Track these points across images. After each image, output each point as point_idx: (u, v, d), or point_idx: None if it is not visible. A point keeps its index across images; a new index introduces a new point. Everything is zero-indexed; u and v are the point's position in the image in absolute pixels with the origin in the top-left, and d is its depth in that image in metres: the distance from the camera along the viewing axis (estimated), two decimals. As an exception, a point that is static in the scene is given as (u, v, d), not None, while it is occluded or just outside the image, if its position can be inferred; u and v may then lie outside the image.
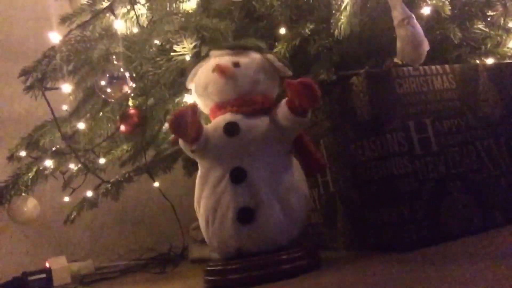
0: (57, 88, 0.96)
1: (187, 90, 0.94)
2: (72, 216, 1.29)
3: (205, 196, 0.72)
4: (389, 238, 0.72)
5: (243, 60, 0.75)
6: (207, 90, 0.76)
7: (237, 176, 0.69)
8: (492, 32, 0.98)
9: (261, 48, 0.78)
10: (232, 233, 0.69)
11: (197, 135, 0.71)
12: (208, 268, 0.72)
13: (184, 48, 0.88)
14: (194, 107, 0.70)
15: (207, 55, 0.80)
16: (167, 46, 0.93)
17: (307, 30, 0.88)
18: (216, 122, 0.74)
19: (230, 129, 0.71)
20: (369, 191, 0.76)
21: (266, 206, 0.68)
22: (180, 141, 0.73)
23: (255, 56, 0.77)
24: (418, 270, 0.54)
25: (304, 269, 0.68)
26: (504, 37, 1.00)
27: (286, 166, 0.72)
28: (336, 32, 0.84)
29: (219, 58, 0.77)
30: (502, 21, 0.96)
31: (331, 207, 0.87)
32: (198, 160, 0.75)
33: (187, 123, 0.69)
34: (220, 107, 0.75)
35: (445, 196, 0.73)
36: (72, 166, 1.26)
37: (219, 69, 0.73)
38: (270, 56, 0.77)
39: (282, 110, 0.71)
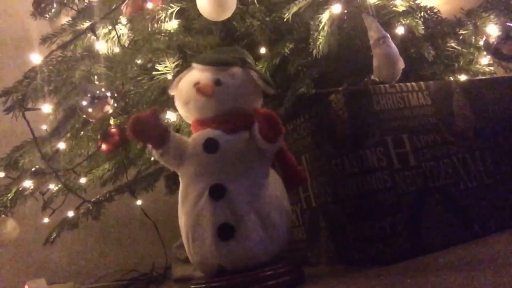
0: (38, 109, 0.96)
1: (169, 108, 0.95)
2: (52, 237, 1.27)
3: (186, 212, 0.71)
4: (371, 252, 0.73)
5: (224, 77, 0.74)
6: (188, 106, 0.76)
7: (217, 193, 0.69)
8: (464, 50, 1.01)
9: (244, 62, 0.77)
10: (212, 250, 0.68)
11: (162, 139, 0.71)
12: (192, 287, 0.72)
13: (166, 67, 0.89)
14: (155, 112, 0.71)
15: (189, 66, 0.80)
16: (149, 66, 0.94)
17: (286, 50, 0.91)
18: (196, 138, 0.74)
19: (210, 145, 0.71)
20: (350, 206, 0.77)
21: (247, 223, 0.68)
22: (150, 147, 0.74)
23: (237, 72, 0.76)
24: (400, 283, 0.55)
25: (289, 285, 0.68)
26: (476, 55, 1.04)
27: (267, 182, 0.72)
28: (314, 52, 0.87)
29: (200, 72, 0.76)
30: (473, 40, 1.00)
31: (313, 223, 0.88)
32: (179, 175, 0.75)
33: (149, 127, 0.70)
34: (201, 122, 0.75)
35: (425, 209, 0.75)
36: (52, 187, 1.25)
37: (200, 90, 0.73)
38: (253, 73, 0.76)
39: (256, 134, 0.71)
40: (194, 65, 0.78)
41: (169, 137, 0.72)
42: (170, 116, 0.96)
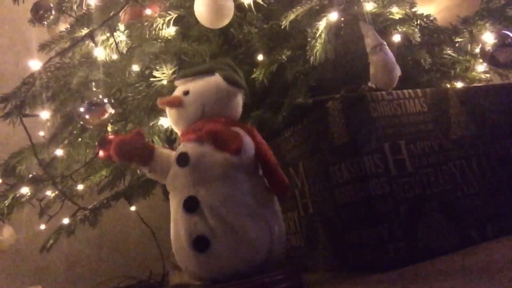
0: (35, 115, 0.96)
1: (164, 114, 0.95)
2: (49, 244, 1.26)
3: (171, 224, 0.73)
4: (369, 259, 0.73)
5: (191, 87, 0.75)
6: (171, 123, 0.78)
7: (190, 206, 0.69)
8: (460, 57, 1.02)
9: (213, 69, 0.76)
10: (191, 262, 0.69)
11: (147, 158, 0.73)
12: (189, 294, 0.72)
13: (164, 74, 0.89)
14: (139, 132, 0.72)
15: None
16: (147, 72, 0.94)
17: (284, 57, 0.91)
18: (175, 152, 0.74)
19: (181, 159, 0.71)
20: (348, 212, 0.77)
21: (220, 234, 0.67)
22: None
23: (207, 79, 0.75)
24: (396, 290, 0.56)
25: (286, 292, 0.68)
26: (472, 62, 1.04)
27: (243, 191, 0.70)
28: (311, 59, 0.87)
29: (177, 88, 0.78)
30: (469, 47, 1.01)
31: (311, 229, 0.88)
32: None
33: (132, 148, 0.71)
34: (182, 135, 0.76)
35: (422, 216, 0.75)
36: (49, 193, 1.24)
37: (162, 103, 0.76)
38: (216, 76, 0.75)
39: None
40: (176, 83, 0.81)
41: (154, 155, 0.74)
42: (163, 122, 0.96)
